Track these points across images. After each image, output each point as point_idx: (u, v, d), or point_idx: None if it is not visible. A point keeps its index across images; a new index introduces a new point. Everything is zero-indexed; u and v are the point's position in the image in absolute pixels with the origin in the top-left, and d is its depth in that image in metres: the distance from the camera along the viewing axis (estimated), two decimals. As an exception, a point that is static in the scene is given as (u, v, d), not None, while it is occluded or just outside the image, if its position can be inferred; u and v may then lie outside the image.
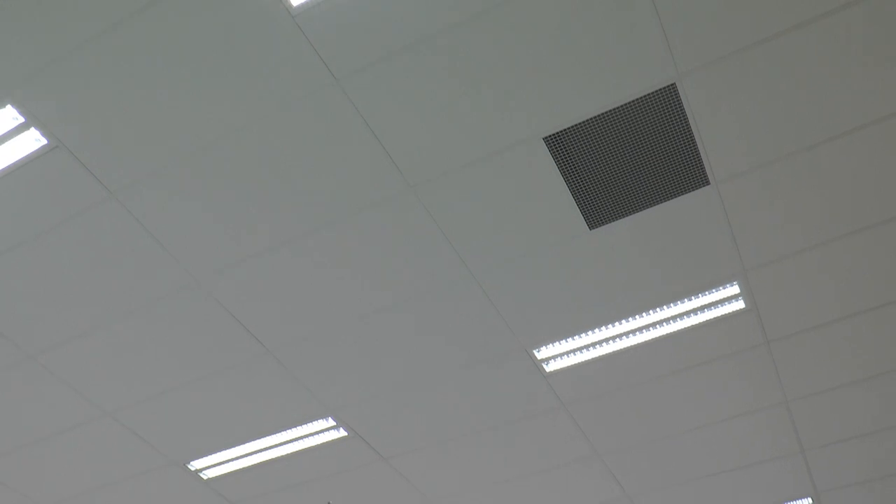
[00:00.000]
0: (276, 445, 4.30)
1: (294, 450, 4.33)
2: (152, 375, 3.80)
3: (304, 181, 2.97)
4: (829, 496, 4.92)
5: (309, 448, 4.33)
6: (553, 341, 3.72)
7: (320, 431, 4.20)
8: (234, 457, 4.38)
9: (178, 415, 4.07)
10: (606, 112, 2.82)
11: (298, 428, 4.18)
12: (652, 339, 3.74)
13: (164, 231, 3.13)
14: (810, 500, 4.96)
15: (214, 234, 3.15)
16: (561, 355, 3.79)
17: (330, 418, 4.12)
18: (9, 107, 2.67)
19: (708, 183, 3.08)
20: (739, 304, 3.59)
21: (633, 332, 3.69)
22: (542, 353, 3.77)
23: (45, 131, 2.75)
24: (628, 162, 2.99)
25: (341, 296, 3.44)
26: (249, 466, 4.46)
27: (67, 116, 2.71)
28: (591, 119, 2.84)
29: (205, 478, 4.54)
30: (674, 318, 3.64)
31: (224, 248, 3.21)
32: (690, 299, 3.57)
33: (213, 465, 4.44)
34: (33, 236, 3.12)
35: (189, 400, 3.97)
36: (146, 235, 3.14)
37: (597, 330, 3.68)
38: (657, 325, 3.67)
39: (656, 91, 2.76)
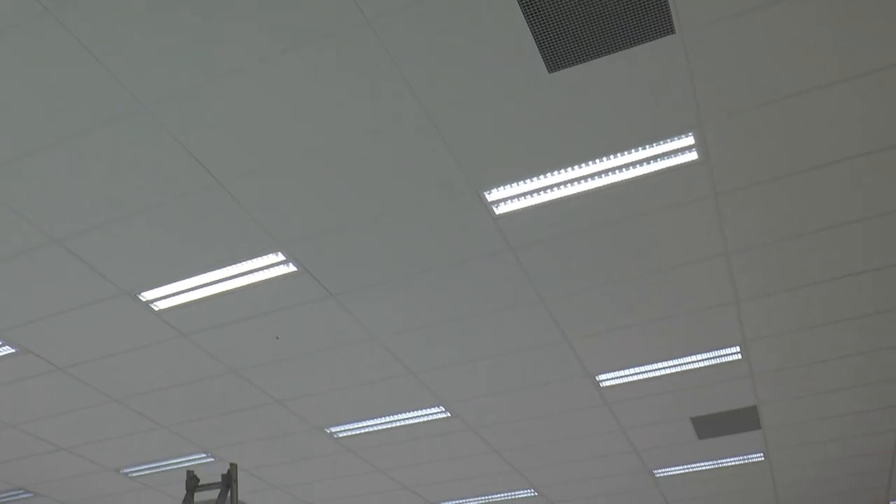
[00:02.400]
0: (226, 279, 4.32)
1: (244, 283, 4.37)
2: (99, 203, 3.73)
3: (256, 7, 2.82)
4: (757, 345, 5.18)
5: (259, 282, 4.36)
6: (504, 184, 3.72)
7: (270, 266, 4.23)
8: (184, 289, 4.40)
9: (126, 245, 4.03)
10: (573, -55, 2.68)
11: (248, 262, 4.19)
12: (603, 186, 3.77)
13: (109, 52, 2.97)
14: (738, 348, 5.21)
15: (166, 57, 3.00)
16: (512, 198, 3.80)
17: (279, 253, 4.14)
18: None
19: (673, 32, 3.00)
20: (692, 156, 3.61)
21: (586, 177, 3.71)
22: (492, 196, 3.78)
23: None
24: (593, 5, 2.88)
25: (292, 130, 3.36)
26: (200, 299, 4.50)
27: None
28: (556, -48, 2.70)
29: (156, 309, 4.57)
30: (627, 165, 3.65)
31: (174, 74, 3.07)
32: (645, 148, 3.57)
33: (164, 296, 4.46)
34: (-37, 51, 2.94)
35: (138, 230, 3.93)
36: (89, 57, 2.98)
37: (549, 174, 3.68)
38: (610, 172, 3.69)
39: (627, -75, 2.62)
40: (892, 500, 8.33)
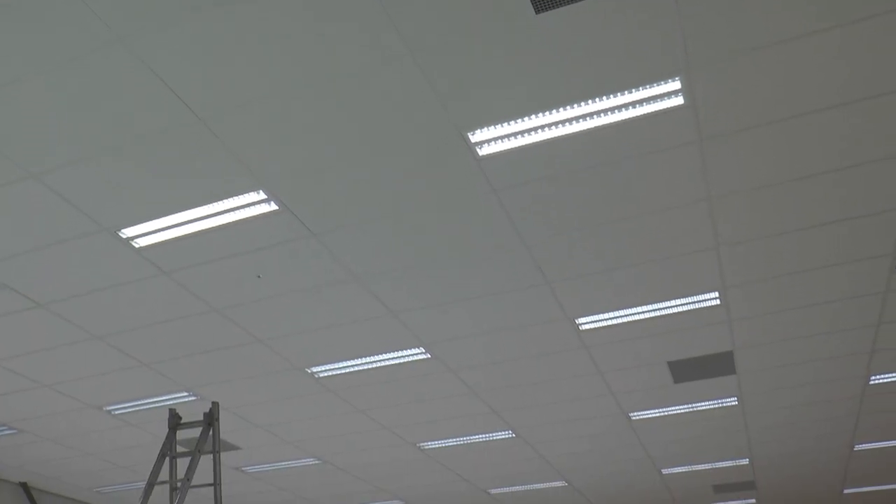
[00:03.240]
0: (207, 217, 4.30)
1: (225, 222, 4.34)
2: (77, 138, 3.67)
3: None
4: (736, 291, 5.24)
5: (240, 221, 4.34)
6: (488, 125, 3.69)
7: (251, 205, 4.20)
8: (165, 226, 4.37)
9: (106, 181, 3.99)
10: None
11: (229, 200, 4.17)
12: (588, 130, 3.75)
13: (81, -20, 2.89)
14: (717, 293, 5.28)
15: (137, -13, 2.92)
16: (495, 140, 3.78)
17: (261, 191, 4.11)
18: None
19: (661, -32, 2.96)
20: (679, 101, 3.59)
21: (571, 120, 3.69)
22: (476, 137, 3.76)
23: None
24: (582, -62, 2.83)
25: (274, 68, 3.30)
26: (181, 237, 4.47)
27: None
28: None
29: (136, 246, 4.55)
30: (612, 109, 3.63)
31: (153, 4, 2.99)
32: (631, 92, 3.54)
33: (145, 233, 4.43)
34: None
35: (117, 166, 3.88)
36: (61, -16, 2.90)
37: (534, 116, 3.66)
38: (595, 116, 3.67)
39: None
40: (858, 444, 8.55)
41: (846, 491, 10.59)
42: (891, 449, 8.77)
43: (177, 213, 4.26)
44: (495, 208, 4.30)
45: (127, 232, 4.42)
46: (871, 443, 8.53)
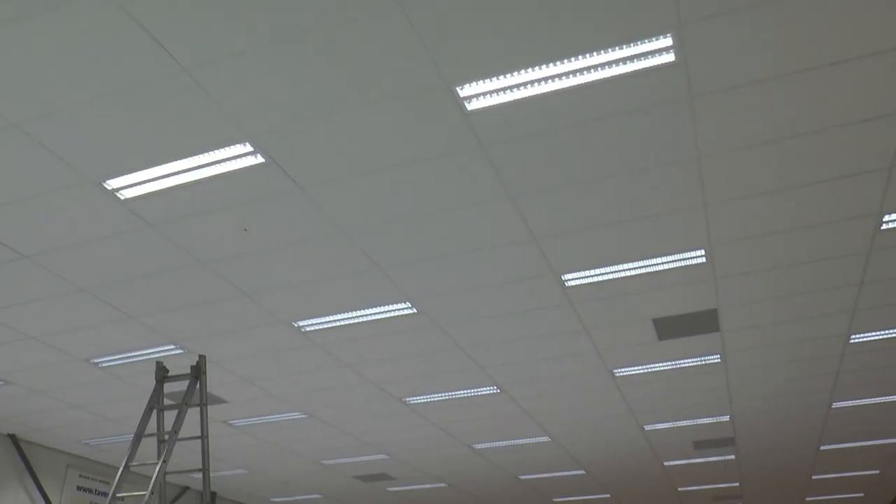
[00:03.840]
0: (193, 168, 4.26)
1: (211, 174, 4.31)
2: (60, 86, 3.61)
3: None
4: (722, 249, 5.27)
5: (226, 173, 4.31)
6: (478, 79, 3.66)
7: (237, 157, 4.16)
8: (150, 178, 4.33)
9: (90, 131, 3.94)
10: None
11: (215, 152, 4.13)
12: (579, 85, 3.72)
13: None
14: (704, 251, 5.30)
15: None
16: (484, 94, 3.75)
17: (247, 143, 4.07)
18: None
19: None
20: (670, 57, 3.57)
21: (561, 76, 3.66)
22: (465, 91, 3.73)
23: None
24: None
25: (258, 16, 3.25)
26: (167, 189, 4.44)
27: None
28: None
29: (122, 198, 4.51)
30: (603, 65, 3.60)
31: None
32: (622, 48, 3.51)
33: (130, 185, 4.40)
34: None
35: (101, 116, 3.83)
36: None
37: (523, 71, 3.63)
38: (585, 71, 3.64)
39: None
40: (836, 402, 8.70)
41: (822, 447, 10.80)
42: (867, 407, 8.93)
43: (162, 164, 4.23)
44: (483, 163, 4.28)
45: (112, 183, 4.38)
46: (848, 401, 8.68)
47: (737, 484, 13.13)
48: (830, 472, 12.44)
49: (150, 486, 5.06)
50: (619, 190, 4.57)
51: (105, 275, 5.38)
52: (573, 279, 5.61)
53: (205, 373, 5.72)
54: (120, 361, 6.92)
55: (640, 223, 4.94)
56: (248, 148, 4.10)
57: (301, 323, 6.22)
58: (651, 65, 3.61)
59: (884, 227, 5.09)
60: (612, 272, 5.52)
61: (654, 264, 5.44)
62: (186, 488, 12.52)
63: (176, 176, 4.32)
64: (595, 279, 5.61)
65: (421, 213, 4.75)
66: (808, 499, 14.63)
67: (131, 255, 5.12)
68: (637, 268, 5.48)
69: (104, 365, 7.00)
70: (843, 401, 8.68)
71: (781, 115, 3.99)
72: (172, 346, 6.64)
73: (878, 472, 12.44)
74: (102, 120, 3.85)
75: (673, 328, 6.53)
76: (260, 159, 4.19)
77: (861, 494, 14.36)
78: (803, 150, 4.27)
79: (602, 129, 4.05)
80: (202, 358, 5.72)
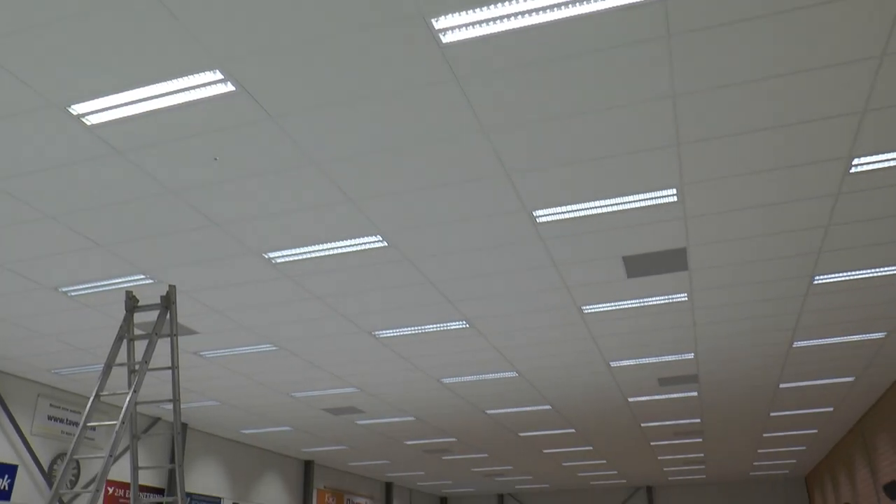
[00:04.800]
0: (162, 95, 4.17)
1: (181, 101, 4.22)
2: (22, 5, 3.49)
3: None
4: (693, 188, 5.31)
5: (196, 101, 4.23)
6: (454, 11, 3.60)
7: (207, 84, 4.08)
8: (117, 104, 4.24)
9: (53, 53, 3.82)
10: None
11: (185, 78, 4.04)
12: (555, 20, 3.67)
13: None
14: (675, 190, 5.34)
15: None
16: (461, 27, 3.69)
17: (217, 71, 3.99)
18: None
19: None
20: (646, -9, 3.53)
21: (538, 10, 3.60)
22: (440, 23, 3.66)
23: None
24: None
25: (231, -65, 3.15)
26: (135, 115, 4.35)
27: None
28: None
29: (88, 124, 4.41)
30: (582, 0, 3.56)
31: None
32: (599, -21, 3.47)
33: (96, 110, 4.30)
34: None
35: (67, 37, 3.71)
36: None
37: (500, 4, 3.56)
38: (564, 6, 3.59)
39: None
40: (797, 342, 8.92)
41: (782, 385, 11.11)
42: (826, 347, 9.17)
43: (129, 90, 4.13)
44: (457, 96, 4.24)
45: (77, 108, 4.28)
46: (808, 340, 8.90)
47: (698, 420, 13.50)
48: (788, 410, 12.82)
49: (121, 416, 5.08)
50: (594, 127, 4.57)
51: (73, 202, 5.30)
52: (544, 215, 5.63)
53: (175, 303, 5.71)
54: (89, 290, 6.88)
55: (613, 161, 4.95)
56: (218, 76, 4.02)
57: (271, 254, 6.21)
58: (630, 1, 3.57)
59: (853, 170, 5.15)
60: (583, 209, 5.55)
61: (626, 202, 5.48)
62: (158, 419, 12.62)
63: (144, 102, 4.23)
64: (566, 216, 5.64)
65: (394, 145, 4.71)
66: (764, 435, 15.10)
67: (99, 182, 5.04)
68: (608, 205, 5.51)
69: (73, 294, 6.95)
70: (804, 340, 8.90)
71: (757, 56, 3.98)
72: (142, 276, 6.60)
73: (831, 409, 12.85)
74: (67, 42, 3.74)
75: (642, 266, 6.61)
76: (230, 87, 4.11)
77: (815, 431, 14.85)
78: (777, 92, 4.28)
79: (578, 66, 4.01)
80: (172, 288, 5.70)
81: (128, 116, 4.35)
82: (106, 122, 4.41)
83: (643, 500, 24.04)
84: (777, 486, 22.97)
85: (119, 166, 4.86)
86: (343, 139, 4.63)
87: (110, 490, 11.45)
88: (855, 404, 12.61)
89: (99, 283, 6.74)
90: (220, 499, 14.15)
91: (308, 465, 17.37)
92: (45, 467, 10.22)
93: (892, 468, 12.15)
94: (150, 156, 4.75)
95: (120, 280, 6.68)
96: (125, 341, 5.75)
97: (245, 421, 12.88)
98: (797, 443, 16.24)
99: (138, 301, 5.84)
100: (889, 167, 5.13)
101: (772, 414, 13.10)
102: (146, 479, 12.38)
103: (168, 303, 5.69)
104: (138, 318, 7.63)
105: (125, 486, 11.73)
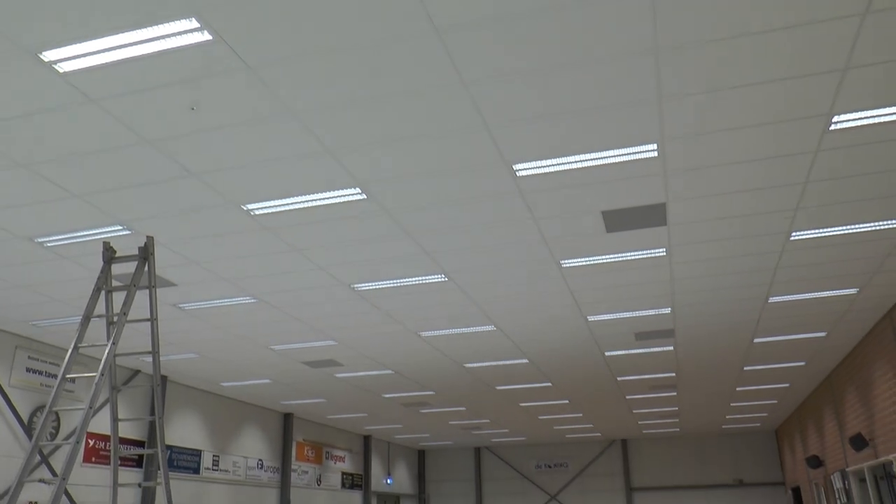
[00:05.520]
0: (136, 43, 4.08)
1: (157, 49, 4.13)
2: (-11, -54, 3.39)
3: None
4: (674, 143, 5.31)
5: (172, 49, 4.14)
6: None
7: (184, 32, 4.00)
8: (91, 51, 4.14)
9: (23, -4, 3.73)
10: None
11: (161, 26, 3.95)
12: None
13: None
14: (656, 145, 5.34)
15: None
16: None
17: (193, 19, 3.90)
18: None
19: None
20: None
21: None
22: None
23: None
24: None
25: None
26: (109, 63, 4.26)
27: None
28: None
29: (60, 71, 4.32)
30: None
31: None
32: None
33: (69, 57, 4.20)
34: None
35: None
36: None
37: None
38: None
39: None
40: (772, 297, 9.04)
41: (756, 340, 11.28)
42: (800, 302, 9.30)
43: (103, 37, 4.04)
44: (436, 47, 4.19)
45: (49, 55, 4.18)
46: (784, 296, 9.02)
47: (673, 374, 13.71)
48: (761, 364, 13.05)
49: (101, 368, 5.07)
50: (575, 80, 4.54)
51: (47, 151, 5.21)
52: (524, 169, 5.62)
53: (153, 254, 5.67)
54: (65, 241, 6.81)
55: (594, 115, 4.93)
56: (195, 24, 3.93)
57: (250, 206, 6.16)
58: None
59: (832, 127, 5.18)
60: (563, 163, 5.54)
61: (606, 157, 5.47)
62: (137, 371, 12.63)
63: (118, 50, 4.14)
64: (546, 170, 5.63)
65: (373, 96, 4.66)
66: (738, 389, 15.38)
67: (74, 131, 4.96)
68: (589, 160, 5.50)
69: (49, 244, 6.88)
70: (779, 296, 9.02)
71: (739, 12, 3.95)
72: (119, 227, 6.53)
73: (804, 363, 13.09)
74: (38, -15, 3.64)
75: (621, 221, 6.64)
76: (207, 36, 4.03)
77: (787, 385, 15.15)
78: (760, 48, 4.27)
79: (560, 18, 3.97)
80: (150, 239, 5.65)
81: (101, 64, 4.26)
82: (79, 70, 4.32)
83: (618, 452, 24.52)
84: (748, 439, 23.49)
85: (93, 115, 4.77)
86: (322, 91, 4.57)
87: (91, 442, 11.49)
88: (826, 359, 12.85)
89: (75, 234, 6.67)
90: (200, 451, 14.25)
91: (287, 418, 17.50)
92: (25, 419, 10.22)
93: (858, 421, 12.45)
94: (125, 105, 4.67)
95: (96, 231, 6.61)
96: (103, 293, 5.72)
97: (224, 374, 12.92)
98: (769, 397, 16.57)
99: (116, 252, 5.79)
100: (868, 125, 5.16)
101: (745, 368, 13.33)
102: (127, 431, 12.43)
103: (146, 254, 5.65)
104: (117, 269, 7.57)
105: (105, 438, 11.78)
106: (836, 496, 15.04)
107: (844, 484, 14.18)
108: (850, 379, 12.67)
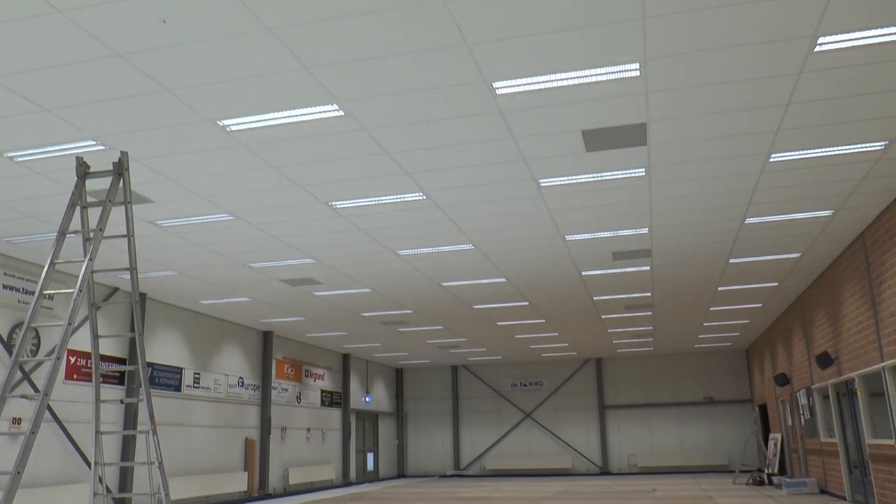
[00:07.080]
0: (104, -52, 3.93)
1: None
2: None
3: None
4: (656, 63, 5.25)
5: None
6: None
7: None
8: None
9: None
10: None
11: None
12: None
13: None
14: (638, 65, 5.28)
15: None
16: None
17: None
18: None
19: None
20: None
21: None
22: None
23: None
24: None
25: None
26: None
27: None
28: None
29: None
30: None
31: None
32: None
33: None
34: None
35: None
36: None
37: None
38: None
39: None
40: (749, 218, 9.11)
41: (732, 260, 11.44)
42: (776, 224, 9.40)
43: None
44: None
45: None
46: (760, 217, 9.11)
47: (648, 294, 13.92)
48: (735, 284, 13.26)
49: (78, 284, 5.05)
50: (558, -6, 4.44)
51: (15, 63, 5.06)
52: (504, 87, 5.55)
53: (128, 170, 5.58)
54: (37, 156, 6.69)
55: (576, 33, 4.85)
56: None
57: (226, 122, 6.06)
58: None
59: (817, 48, 5.13)
60: (544, 81, 5.48)
61: (588, 75, 5.41)
62: (116, 289, 12.61)
63: (86, -46, 3.99)
64: (526, 88, 5.57)
65: (351, 11, 4.54)
66: (711, 308, 15.67)
67: (42, 43, 4.81)
68: (570, 78, 5.44)
69: (20, 159, 6.75)
70: (756, 217, 9.10)
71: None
72: (93, 142, 6.42)
73: (776, 283, 13.32)
74: None
75: (601, 140, 6.61)
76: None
77: (759, 305, 15.45)
78: (745, -41, 4.19)
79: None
80: (124, 154, 5.56)
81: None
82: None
83: (592, 371, 25.06)
84: (719, 358, 24.08)
85: (60, 25, 4.62)
86: (298, 4, 4.45)
87: (72, 359, 11.55)
88: (798, 279, 13.08)
89: (46, 149, 6.55)
90: (181, 369, 14.39)
91: (267, 336, 17.65)
92: (4, 336, 10.23)
93: (825, 340, 12.77)
94: (94, 15, 4.52)
95: (69, 146, 6.49)
96: (78, 208, 5.64)
97: (203, 291, 12.94)
98: (741, 316, 16.91)
99: (90, 167, 5.69)
100: (853, 47, 5.12)
101: (720, 288, 13.55)
102: (107, 348, 12.48)
103: (121, 169, 5.56)
104: (92, 186, 7.47)
105: (86, 355, 11.83)
106: (801, 412, 15.55)
107: (809, 400, 14.64)
108: (820, 299, 12.93)
